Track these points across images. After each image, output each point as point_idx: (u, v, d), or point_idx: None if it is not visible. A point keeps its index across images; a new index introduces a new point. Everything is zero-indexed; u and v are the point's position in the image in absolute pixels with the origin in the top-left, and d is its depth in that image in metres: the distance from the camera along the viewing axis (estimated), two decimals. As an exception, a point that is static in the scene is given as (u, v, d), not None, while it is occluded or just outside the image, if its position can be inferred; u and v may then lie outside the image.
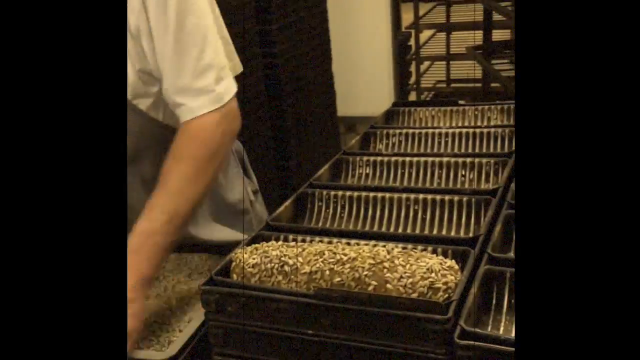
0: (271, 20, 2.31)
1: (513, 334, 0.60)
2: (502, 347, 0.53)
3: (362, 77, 3.39)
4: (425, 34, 3.90)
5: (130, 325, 0.75)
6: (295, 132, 2.45)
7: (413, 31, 3.43)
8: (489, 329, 0.61)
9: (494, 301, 0.63)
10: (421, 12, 3.72)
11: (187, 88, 0.87)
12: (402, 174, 0.93)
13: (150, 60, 0.88)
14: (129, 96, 0.89)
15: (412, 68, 3.53)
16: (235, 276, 0.69)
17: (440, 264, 0.63)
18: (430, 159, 0.92)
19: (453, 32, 3.77)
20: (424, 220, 0.81)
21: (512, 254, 0.68)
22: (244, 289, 0.64)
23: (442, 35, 3.83)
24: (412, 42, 3.54)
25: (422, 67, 3.79)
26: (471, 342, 0.53)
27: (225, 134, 0.89)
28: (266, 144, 2.25)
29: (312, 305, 0.61)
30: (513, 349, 0.52)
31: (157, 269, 0.81)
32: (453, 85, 3.88)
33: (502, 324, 0.62)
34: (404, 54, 3.55)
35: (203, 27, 0.87)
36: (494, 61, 2.67)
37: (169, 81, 0.87)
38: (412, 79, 3.57)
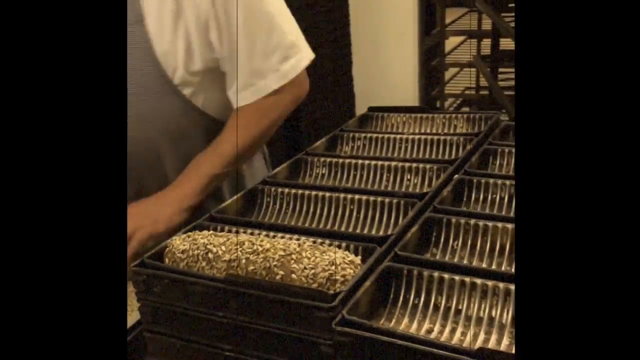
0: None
1: (401, 327, 0.65)
2: (376, 335, 0.57)
3: (386, 81, 3.42)
4: (456, 40, 3.90)
5: (155, 228, 0.96)
6: (309, 134, 2.51)
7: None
8: (382, 321, 0.66)
9: (391, 296, 0.67)
10: (453, 18, 3.73)
11: (255, 70, 1.01)
12: (354, 176, 0.98)
13: (218, 49, 1.00)
14: (176, 82, 0.98)
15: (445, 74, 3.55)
16: (167, 260, 0.75)
17: (343, 258, 0.68)
18: (380, 163, 0.97)
19: (484, 40, 3.76)
20: (357, 219, 0.85)
21: (420, 255, 0.72)
22: (166, 272, 0.71)
23: (474, 41, 3.82)
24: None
25: (452, 73, 3.80)
26: (347, 329, 0.58)
27: (289, 104, 1.07)
28: (280, 145, 2.31)
29: (222, 290, 0.67)
30: (387, 337, 0.57)
31: (203, 196, 1.02)
32: (482, 92, 3.87)
33: (395, 317, 0.66)
34: (431, 60, 3.57)
35: (266, 12, 1.00)
36: (503, 69, 2.67)
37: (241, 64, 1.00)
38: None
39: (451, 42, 3.75)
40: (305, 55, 1.06)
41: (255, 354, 0.67)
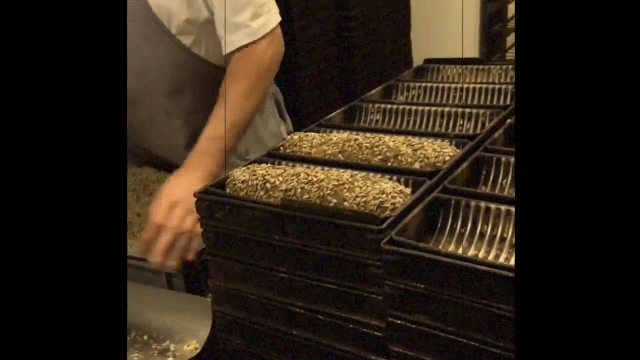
0: (346, -16, 2.37)
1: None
2: (422, 253, 0.61)
3: (446, 46, 3.38)
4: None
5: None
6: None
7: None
8: (429, 247, 0.69)
9: (438, 225, 0.70)
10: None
11: (228, 24, 1.03)
12: (408, 122, 1.01)
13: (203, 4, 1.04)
14: (174, 31, 1.03)
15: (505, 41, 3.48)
16: (228, 190, 0.81)
17: (393, 188, 0.71)
18: (434, 109, 0.99)
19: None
20: (409, 159, 0.88)
21: (469, 188, 0.75)
22: (228, 198, 0.76)
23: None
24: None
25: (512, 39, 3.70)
26: (394, 247, 0.62)
27: (273, 57, 1.07)
28: (334, 106, 2.34)
29: (278, 214, 0.72)
30: (432, 255, 0.60)
31: (221, 167, 1.00)
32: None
33: (441, 244, 0.69)
34: (492, 25, 3.49)
35: None
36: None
37: (217, 17, 1.03)
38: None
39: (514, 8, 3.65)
40: (273, 16, 1.08)
41: (308, 276, 0.72)
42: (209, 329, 0.90)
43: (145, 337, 0.94)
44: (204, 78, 1.10)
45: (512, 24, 3.53)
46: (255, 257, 0.76)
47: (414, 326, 0.63)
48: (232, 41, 1.04)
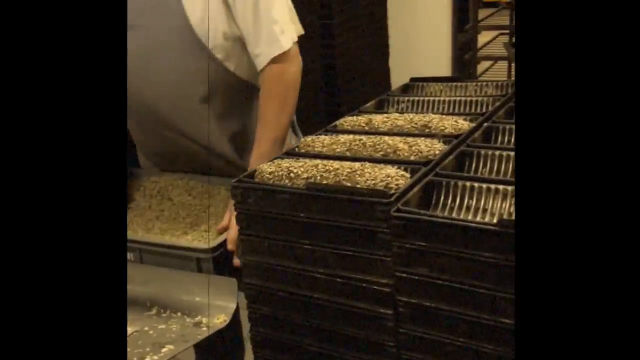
0: (332, 15, 2.58)
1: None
2: (423, 217, 0.78)
3: (421, 74, 3.59)
4: (490, 35, 4.07)
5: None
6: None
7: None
8: (426, 218, 0.86)
9: (433, 202, 0.88)
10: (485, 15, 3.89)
11: (256, 40, 1.21)
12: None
13: (235, 20, 1.22)
14: (210, 46, 1.20)
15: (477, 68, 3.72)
16: (256, 180, 0.97)
17: (396, 172, 0.88)
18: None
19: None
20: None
21: (456, 172, 0.93)
22: (260, 184, 0.92)
23: (505, 37, 3.99)
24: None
25: (485, 67, 3.96)
26: (401, 214, 0.79)
27: (296, 72, 1.25)
28: (319, 128, 2.52)
29: (304, 195, 0.88)
30: (430, 218, 0.77)
31: None
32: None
33: (436, 216, 0.86)
34: (464, 54, 3.75)
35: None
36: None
37: (249, 35, 1.22)
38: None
39: (484, 36, 3.92)
40: (294, 33, 1.26)
41: (327, 246, 0.88)
42: (235, 304, 1.05)
43: (179, 314, 1.09)
44: (232, 88, 1.29)
45: (481, 53, 3.79)
46: (283, 233, 0.92)
47: (417, 278, 0.80)
48: (262, 55, 1.22)
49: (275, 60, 1.21)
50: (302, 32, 1.37)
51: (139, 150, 1.51)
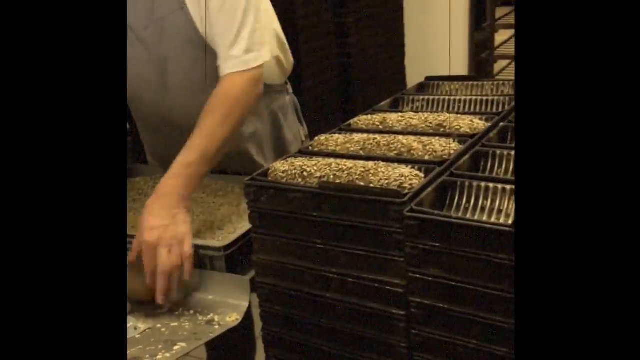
0: (347, 14, 2.58)
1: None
2: (435, 217, 0.77)
3: (438, 73, 3.57)
4: (507, 34, 4.03)
5: (184, 229, 1.05)
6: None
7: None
8: (440, 219, 0.85)
9: (447, 202, 0.87)
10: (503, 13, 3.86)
11: (223, 55, 1.18)
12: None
13: (202, 29, 1.19)
14: (208, 39, 1.20)
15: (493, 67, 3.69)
16: (270, 178, 0.97)
17: (410, 172, 0.88)
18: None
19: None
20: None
21: (471, 173, 0.92)
22: (273, 183, 0.92)
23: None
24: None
25: (502, 66, 3.92)
26: (414, 214, 0.78)
27: (248, 93, 1.18)
28: (333, 127, 2.51)
29: (317, 195, 0.88)
30: (443, 218, 0.76)
31: (191, 190, 1.11)
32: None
33: (450, 216, 0.86)
34: (481, 53, 3.72)
35: (242, 9, 1.17)
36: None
37: (217, 47, 1.19)
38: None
39: (501, 35, 3.89)
40: (262, 56, 1.20)
41: (340, 245, 0.88)
42: (247, 303, 1.05)
43: (192, 312, 1.09)
44: None
45: (499, 52, 3.76)
46: (295, 232, 0.91)
47: (429, 279, 0.79)
48: (222, 68, 1.18)
49: (240, 73, 1.17)
50: (290, 65, 1.40)
51: (149, 153, 1.52)
